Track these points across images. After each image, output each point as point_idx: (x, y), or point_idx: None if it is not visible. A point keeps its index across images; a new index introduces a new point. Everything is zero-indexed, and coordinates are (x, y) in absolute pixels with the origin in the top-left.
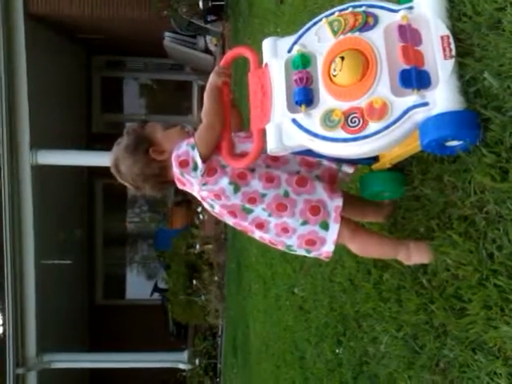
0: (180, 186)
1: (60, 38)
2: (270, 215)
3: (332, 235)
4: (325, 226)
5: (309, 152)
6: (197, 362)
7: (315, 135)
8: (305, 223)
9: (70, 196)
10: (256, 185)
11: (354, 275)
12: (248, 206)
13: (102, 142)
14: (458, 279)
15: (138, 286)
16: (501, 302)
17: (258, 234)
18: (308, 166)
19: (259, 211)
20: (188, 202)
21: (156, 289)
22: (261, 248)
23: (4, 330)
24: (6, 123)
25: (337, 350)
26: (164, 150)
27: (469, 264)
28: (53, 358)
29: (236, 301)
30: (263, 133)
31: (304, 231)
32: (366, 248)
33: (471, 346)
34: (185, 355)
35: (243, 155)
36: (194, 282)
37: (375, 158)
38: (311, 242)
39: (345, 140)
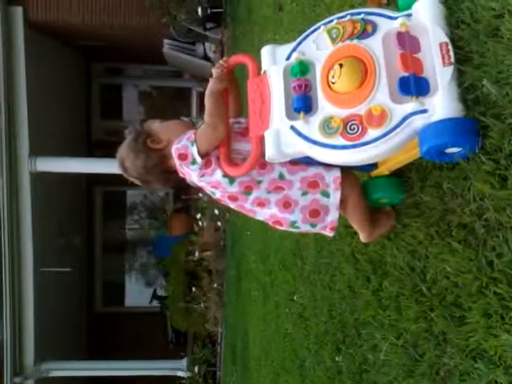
0: (181, 175)
1: (59, 46)
2: (269, 192)
3: (334, 202)
4: (326, 194)
5: (307, 159)
6: (196, 369)
7: (314, 142)
8: (306, 193)
9: (69, 203)
10: (250, 173)
11: (353, 282)
12: (246, 191)
13: (102, 149)
14: (457, 287)
15: (137, 294)
16: (501, 310)
17: (260, 214)
18: None
19: (258, 192)
20: (187, 208)
21: (155, 296)
22: (260, 255)
23: (2, 338)
24: (5, 130)
25: (336, 358)
26: (162, 140)
27: (468, 272)
28: (51, 367)
29: (235, 308)
30: (261, 140)
31: (306, 201)
32: (355, 213)
33: (471, 355)
34: (184, 363)
35: (238, 164)
36: (193, 289)
37: (374, 165)
38: (315, 213)
39: (344, 147)
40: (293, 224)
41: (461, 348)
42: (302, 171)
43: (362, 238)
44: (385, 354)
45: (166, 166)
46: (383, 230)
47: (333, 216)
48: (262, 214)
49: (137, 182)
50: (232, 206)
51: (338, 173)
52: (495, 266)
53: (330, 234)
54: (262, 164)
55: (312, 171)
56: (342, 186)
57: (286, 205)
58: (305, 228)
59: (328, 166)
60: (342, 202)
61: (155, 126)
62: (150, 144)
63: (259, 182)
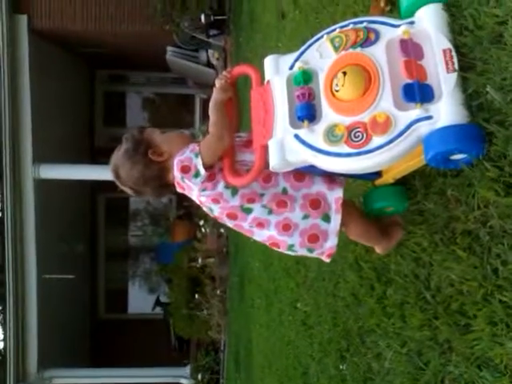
0: (179, 190)
1: (63, 53)
2: (270, 213)
3: (334, 227)
4: (326, 219)
5: (312, 168)
6: (199, 377)
7: (318, 150)
8: (306, 217)
9: (73, 210)
10: (254, 185)
11: (357, 290)
12: (247, 205)
13: (105, 156)
14: (462, 295)
15: (140, 300)
16: (506, 318)
17: (258, 235)
18: None
19: (259, 209)
20: (190, 215)
21: (158, 303)
22: (263, 262)
23: (5, 345)
24: (9, 137)
25: (340, 366)
26: (163, 152)
27: (473, 279)
28: (54, 374)
29: (238, 315)
30: (265, 149)
31: (306, 225)
32: (362, 235)
33: (477, 363)
34: (187, 370)
35: (242, 174)
36: (196, 296)
37: (378, 174)
38: (314, 238)
39: (348, 155)
40: (290, 247)
41: (466, 356)
42: (306, 188)
43: (379, 251)
44: (389, 362)
45: (164, 179)
46: (398, 239)
47: (332, 242)
48: (261, 236)
49: (128, 191)
50: (230, 224)
51: (340, 193)
52: (500, 273)
53: (327, 260)
54: (267, 177)
55: (315, 189)
56: (342, 208)
57: (286, 227)
58: (302, 252)
59: (331, 185)
60: (344, 226)
61: (156, 136)
62: (151, 155)
63: (262, 195)
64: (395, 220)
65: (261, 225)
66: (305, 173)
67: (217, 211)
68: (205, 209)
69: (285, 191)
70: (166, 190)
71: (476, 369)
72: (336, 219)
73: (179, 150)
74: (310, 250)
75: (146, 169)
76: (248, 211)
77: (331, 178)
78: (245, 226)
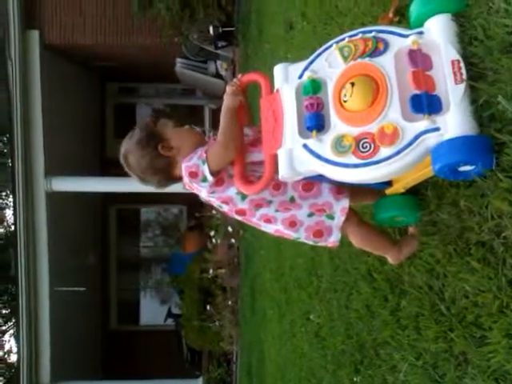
0: (187, 188)
1: (74, 67)
2: (276, 211)
3: (338, 223)
4: (331, 217)
5: (320, 177)
6: None
7: (326, 161)
8: (312, 214)
9: (84, 222)
10: (263, 193)
11: (370, 302)
12: (256, 208)
13: (116, 168)
14: (477, 306)
15: (151, 312)
16: None
17: (266, 227)
18: None
19: (266, 210)
20: (201, 226)
21: (170, 314)
22: (275, 272)
23: (18, 358)
24: (21, 151)
25: (354, 379)
26: (172, 147)
27: (488, 291)
28: None
29: (250, 326)
30: (275, 158)
31: (311, 222)
32: (364, 242)
33: (494, 376)
34: (199, 382)
35: (252, 182)
36: (208, 307)
37: (389, 183)
38: (318, 233)
39: (356, 165)
40: (296, 239)
41: (482, 369)
42: (313, 198)
43: (391, 260)
44: (404, 374)
45: (170, 173)
46: (412, 249)
47: (335, 237)
48: (268, 228)
49: (135, 177)
50: (239, 218)
51: (346, 204)
52: None
53: (331, 247)
54: (276, 185)
55: (322, 200)
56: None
57: (292, 224)
58: (307, 242)
59: (338, 195)
60: (345, 233)
61: (169, 130)
62: (160, 149)
63: (270, 202)
64: (410, 231)
65: (268, 220)
66: (313, 183)
67: (226, 209)
68: (214, 205)
69: (292, 200)
70: (172, 182)
71: (493, 382)
72: (340, 218)
73: (188, 146)
74: (315, 242)
75: (154, 161)
76: (256, 209)
77: (339, 188)
78: (253, 220)
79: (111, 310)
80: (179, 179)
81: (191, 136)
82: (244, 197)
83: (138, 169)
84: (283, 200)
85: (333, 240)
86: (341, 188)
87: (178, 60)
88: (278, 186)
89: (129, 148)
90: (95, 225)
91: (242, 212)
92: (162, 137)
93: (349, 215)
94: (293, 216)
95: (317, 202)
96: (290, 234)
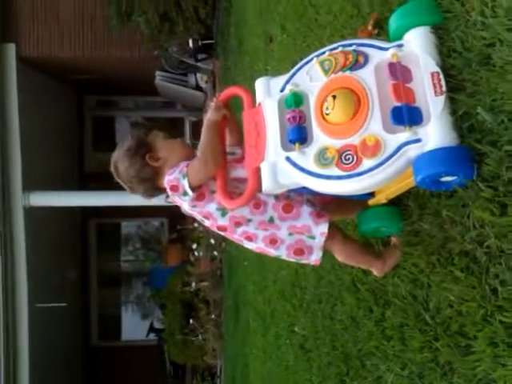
0: (170, 200)
1: (52, 80)
2: (256, 229)
3: (318, 243)
4: (311, 237)
5: (304, 189)
6: None
7: (309, 173)
8: (292, 234)
9: (64, 237)
10: (243, 210)
11: (355, 312)
12: (236, 226)
13: (95, 182)
14: (461, 315)
15: (133, 327)
16: (507, 339)
17: (247, 245)
18: None
19: (246, 228)
20: (183, 238)
21: (152, 329)
22: (258, 284)
23: None
24: None
25: None
26: (159, 158)
27: (472, 300)
28: None
29: (234, 339)
30: (258, 172)
31: (292, 241)
32: (349, 258)
33: None
34: None
35: (234, 197)
36: (191, 321)
37: (371, 194)
38: (299, 252)
39: (339, 177)
40: (277, 257)
41: (468, 378)
42: (292, 220)
43: (376, 273)
44: None
45: (155, 183)
46: (395, 260)
47: (316, 256)
48: (249, 245)
49: (124, 185)
50: (221, 233)
51: (325, 228)
52: (499, 293)
53: (314, 265)
54: (257, 204)
55: (301, 223)
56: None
57: (273, 241)
58: (289, 259)
59: (317, 219)
60: (329, 249)
61: (159, 141)
62: (147, 159)
63: (249, 221)
64: (392, 241)
65: (249, 238)
66: (293, 204)
67: (208, 224)
68: (197, 218)
69: (271, 220)
70: (158, 192)
71: None
72: (320, 239)
73: (175, 159)
74: (297, 260)
75: (141, 170)
76: (236, 227)
77: (319, 212)
78: (234, 236)
79: (92, 326)
80: (164, 190)
81: (180, 148)
82: (224, 213)
83: (126, 177)
84: (262, 220)
85: (315, 258)
86: (321, 212)
87: (158, 73)
88: (258, 204)
89: (118, 156)
90: (75, 239)
91: (223, 228)
92: (150, 147)
93: (333, 233)
94: (273, 234)
95: (295, 225)
96: (271, 251)
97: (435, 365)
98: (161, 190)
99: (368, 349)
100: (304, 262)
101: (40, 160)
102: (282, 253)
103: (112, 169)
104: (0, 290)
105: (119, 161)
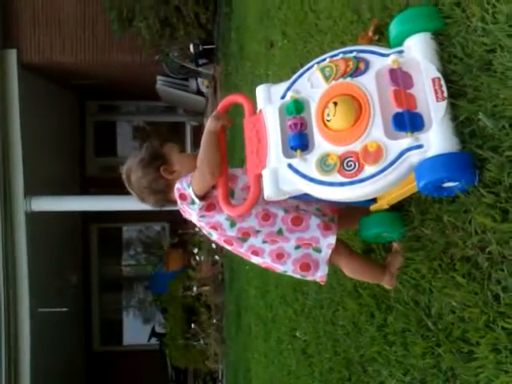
0: (181, 212)
1: (53, 86)
2: (264, 242)
3: (324, 257)
4: (318, 250)
5: (306, 196)
6: None
7: (311, 180)
8: (298, 247)
9: (65, 241)
10: (252, 221)
11: (357, 318)
12: (242, 237)
13: (97, 186)
14: (464, 321)
15: (135, 331)
16: (510, 345)
17: (254, 259)
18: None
19: (254, 239)
20: (184, 243)
21: (154, 333)
22: (260, 289)
23: None
24: (0, 171)
25: None
26: (174, 171)
27: (474, 306)
28: None
29: (236, 344)
30: (259, 178)
31: (298, 255)
32: (356, 273)
33: None
34: None
35: (237, 204)
36: (192, 325)
37: (373, 200)
38: (305, 267)
39: (341, 184)
40: (284, 272)
41: None
42: (300, 232)
43: (387, 286)
44: None
45: (167, 195)
46: (398, 266)
47: (322, 271)
48: (256, 260)
49: (134, 195)
50: (227, 248)
51: (333, 240)
52: (502, 300)
53: (320, 283)
54: (266, 216)
55: (309, 235)
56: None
57: (279, 256)
58: (295, 276)
59: (325, 231)
60: (336, 265)
61: (174, 155)
62: (162, 172)
63: (258, 232)
64: (394, 246)
65: (255, 252)
66: (303, 217)
67: (215, 236)
68: (204, 232)
69: (280, 232)
70: (168, 204)
71: None
72: (327, 252)
73: (187, 172)
74: (303, 276)
75: (154, 182)
76: (244, 240)
77: (326, 223)
78: (241, 251)
79: (94, 331)
80: (176, 202)
81: (192, 162)
82: (233, 224)
83: (137, 187)
84: (271, 231)
85: (320, 274)
86: (329, 224)
87: (159, 78)
88: (268, 216)
89: (132, 166)
90: (76, 244)
91: (229, 242)
92: (165, 159)
93: (339, 247)
94: (280, 248)
95: (303, 236)
96: (277, 266)
97: (437, 371)
98: (172, 202)
99: (370, 354)
100: (309, 278)
101: (41, 165)
102: (289, 268)
103: (124, 177)
104: (2, 294)
105: (132, 170)
